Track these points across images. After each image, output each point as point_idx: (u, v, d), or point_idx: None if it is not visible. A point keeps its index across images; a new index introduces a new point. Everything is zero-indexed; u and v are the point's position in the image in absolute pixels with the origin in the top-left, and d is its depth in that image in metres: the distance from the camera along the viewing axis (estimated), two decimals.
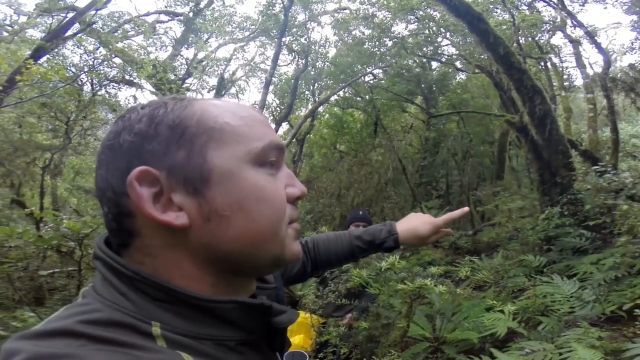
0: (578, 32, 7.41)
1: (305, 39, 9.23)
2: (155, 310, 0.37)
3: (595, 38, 7.22)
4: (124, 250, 0.41)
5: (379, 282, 2.59)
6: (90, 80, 6.07)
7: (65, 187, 7.23)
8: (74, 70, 5.81)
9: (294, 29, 8.89)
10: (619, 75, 7.17)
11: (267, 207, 0.41)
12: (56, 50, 5.99)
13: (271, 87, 9.38)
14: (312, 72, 9.60)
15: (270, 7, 8.51)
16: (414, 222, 0.90)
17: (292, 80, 9.31)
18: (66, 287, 3.83)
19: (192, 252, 0.40)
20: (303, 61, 9.18)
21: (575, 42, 7.32)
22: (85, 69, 5.96)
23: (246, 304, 0.40)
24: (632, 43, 7.78)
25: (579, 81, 8.53)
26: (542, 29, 7.47)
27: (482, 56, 6.42)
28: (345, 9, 9.30)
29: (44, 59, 6.17)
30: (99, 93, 6.56)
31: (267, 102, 8.97)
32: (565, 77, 8.49)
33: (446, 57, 8.97)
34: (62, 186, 7.27)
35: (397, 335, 2.73)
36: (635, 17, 7.29)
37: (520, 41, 6.33)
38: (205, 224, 0.39)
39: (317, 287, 2.86)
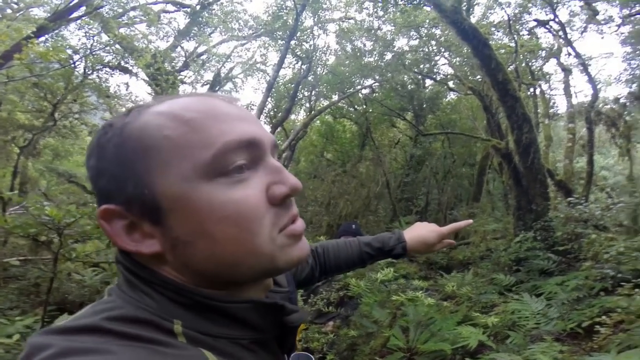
0: (571, 60, 7.79)
1: (310, 45, 9.32)
2: (175, 309, 0.38)
3: (588, 68, 7.55)
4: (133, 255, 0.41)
5: (373, 292, 2.66)
6: (84, 63, 5.92)
7: (38, 168, 6.94)
8: (70, 52, 5.67)
9: (299, 34, 8.99)
10: (601, 106, 7.56)
11: (231, 227, 0.37)
12: (56, 31, 5.81)
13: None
14: (311, 78, 9.71)
15: (281, 10, 8.60)
16: (421, 231, 0.92)
17: (291, 84, 9.35)
18: (25, 276, 3.63)
19: (176, 269, 0.39)
20: (305, 66, 9.23)
21: (567, 71, 7.73)
22: (82, 52, 5.80)
23: (261, 303, 0.41)
24: (620, 74, 8.22)
25: (562, 109, 8.90)
26: (538, 55, 7.79)
27: (477, 78, 6.66)
28: (350, 18, 9.48)
29: (42, 38, 5.99)
30: (90, 77, 6.40)
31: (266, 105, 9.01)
32: (550, 104, 8.84)
33: (441, 75, 9.24)
34: (33, 167, 6.97)
35: (378, 344, 2.81)
36: (629, 49, 7.66)
37: (516, 66, 6.60)
38: (174, 250, 0.38)
39: (307, 295, 2.87)
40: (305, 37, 9.21)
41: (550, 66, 8.87)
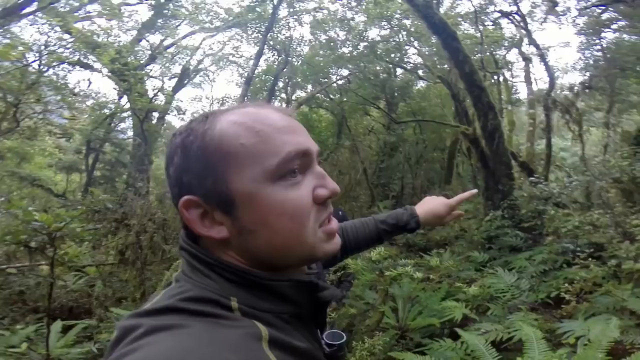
0: (532, 50, 8.25)
1: (286, 37, 9.20)
2: (231, 288, 0.45)
3: (546, 58, 8.04)
4: (199, 241, 0.49)
5: (369, 271, 2.82)
6: (39, 60, 5.50)
7: None
8: (21, 48, 5.21)
9: (276, 25, 8.85)
10: (559, 92, 8.14)
11: (287, 220, 0.45)
12: (5, 27, 5.32)
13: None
14: (286, 70, 9.62)
15: (257, 1, 8.36)
16: (432, 204, 0.96)
17: (267, 76, 9.20)
18: (8, 286, 3.58)
19: (238, 253, 0.48)
20: (282, 58, 9.14)
21: (527, 60, 8.22)
22: (35, 49, 5.38)
23: (299, 281, 0.48)
24: (575, 63, 8.79)
25: (523, 95, 9.41)
26: (502, 45, 8.13)
27: (445, 67, 6.94)
28: (324, 9, 9.42)
29: None
30: (47, 74, 5.97)
31: (246, 98, 8.80)
32: (513, 91, 9.37)
33: (411, 65, 9.46)
34: None
35: (373, 322, 3.02)
36: (583, 39, 8.18)
37: (478, 56, 6.94)
38: (240, 236, 0.46)
39: None
40: (280, 28, 9.08)
41: (513, 55, 9.42)
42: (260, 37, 8.49)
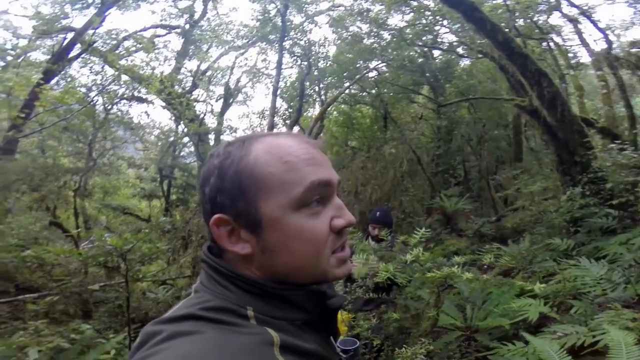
0: (575, 11, 7.25)
1: (305, 41, 9.24)
2: (248, 298, 0.49)
3: (592, 16, 7.00)
4: (222, 255, 0.54)
5: (406, 274, 2.59)
6: (102, 100, 6.28)
7: (94, 206, 7.61)
8: (83, 90, 6.02)
9: (292, 33, 8.91)
10: (621, 54, 6.94)
11: (305, 246, 0.50)
12: (63, 72, 6.22)
13: (277, 92, 9.45)
14: (316, 73, 9.60)
15: (266, 14, 8.59)
16: None
17: (297, 84, 9.31)
18: (112, 300, 4.04)
19: (258, 268, 0.52)
20: (305, 63, 9.20)
21: (574, 21, 7.14)
22: (94, 89, 6.16)
23: (311, 291, 0.53)
24: (631, 19, 7.49)
25: (586, 58, 8.30)
26: (538, 9, 7.28)
27: (484, 41, 6.36)
28: (339, 6, 9.24)
29: (54, 81, 6.43)
30: (111, 111, 6.78)
31: (276, 108, 9.05)
32: (571, 55, 8.24)
33: (447, 44, 8.83)
34: (90, 205, 7.64)
35: (427, 325, 2.76)
36: None
37: (519, 24, 6.20)
38: (262, 255, 0.51)
39: (344, 284, 2.92)
40: (297, 34, 9.12)
41: (557, 19, 8.21)
42: (285, 47, 8.58)
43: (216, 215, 0.51)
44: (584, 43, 7.16)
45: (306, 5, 8.87)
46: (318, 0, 9.21)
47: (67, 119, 5.41)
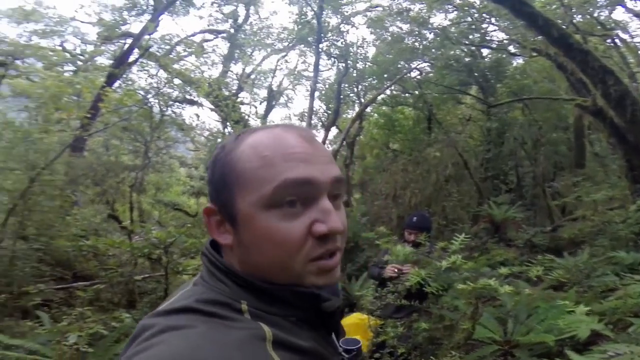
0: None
1: (342, 43, 9.23)
2: (242, 293, 0.49)
3: None
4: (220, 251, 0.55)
5: (439, 282, 2.45)
6: (158, 102, 6.86)
7: (148, 201, 8.31)
8: (142, 93, 6.60)
9: (329, 34, 8.94)
10: None
11: (275, 249, 0.48)
12: (124, 75, 6.90)
13: (316, 94, 9.54)
14: (355, 74, 9.51)
15: (303, 16, 8.73)
16: None
17: (336, 85, 9.36)
18: (154, 291, 4.26)
19: (239, 260, 0.52)
20: (343, 65, 9.17)
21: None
22: (151, 92, 6.73)
23: (298, 292, 0.50)
24: None
25: None
26: (599, 4, 6.56)
27: (538, 38, 5.89)
28: (377, 6, 9.09)
29: (116, 84, 7.10)
30: (166, 113, 7.37)
31: (314, 109, 9.15)
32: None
33: (496, 42, 8.28)
34: (145, 201, 8.36)
35: (460, 337, 2.60)
36: None
37: (577, 19, 5.63)
38: (239, 248, 0.51)
39: (375, 289, 2.83)
40: (335, 36, 9.12)
41: (621, 14, 7.33)
42: (322, 49, 8.62)
43: (207, 205, 0.53)
44: None
45: (342, 7, 8.86)
46: (355, 1, 9.18)
47: (126, 119, 6.01)
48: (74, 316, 2.64)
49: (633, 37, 7.45)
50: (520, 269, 2.71)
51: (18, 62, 5.89)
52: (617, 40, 7.28)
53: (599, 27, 6.77)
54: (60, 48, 8.17)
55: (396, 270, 2.60)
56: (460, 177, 8.68)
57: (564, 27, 4.37)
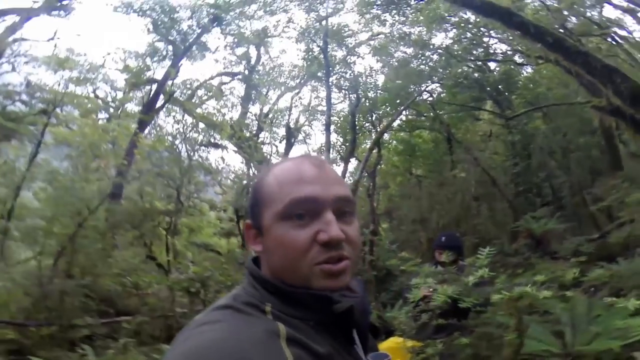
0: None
1: (350, 74, 9.58)
2: (269, 297, 0.59)
3: None
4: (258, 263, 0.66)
5: (473, 297, 2.30)
6: (185, 147, 7.26)
7: (182, 243, 8.56)
8: (170, 139, 7.03)
9: (337, 67, 9.33)
10: None
11: (286, 252, 0.59)
12: (153, 122, 7.36)
13: (332, 127, 9.77)
14: (367, 104, 9.72)
15: (310, 52, 9.22)
16: None
17: (350, 117, 9.62)
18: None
19: (267, 265, 0.63)
20: (354, 95, 9.45)
21: (630, 11, 6.30)
22: (179, 137, 7.16)
23: (313, 294, 0.58)
24: None
25: None
26: (587, 4, 6.62)
27: (539, 45, 5.95)
28: (379, 34, 9.43)
29: (146, 130, 7.56)
30: (194, 158, 7.75)
31: (332, 143, 9.35)
32: None
33: (501, 54, 8.41)
34: (179, 243, 8.62)
35: (509, 352, 2.40)
36: None
37: (573, 22, 5.67)
38: (265, 254, 0.63)
39: (407, 310, 2.70)
40: (342, 68, 9.51)
41: (611, 11, 7.33)
42: (332, 82, 8.96)
43: (246, 221, 0.67)
44: None
45: (346, 39, 9.28)
46: (357, 32, 9.58)
47: (159, 165, 6.40)
48: (120, 346, 2.72)
49: (631, 33, 7.38)
50: (555, 275, 2.52)
51: (57, 110, 6.40)
52: (617, 38, 7.25)
53: (595, 27, 6.79)
54: (93, 96, 8.88)
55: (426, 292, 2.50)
56: (490, 196, 8.41)
57: (560, 32, 4.43)
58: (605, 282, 3.70)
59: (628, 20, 7.36)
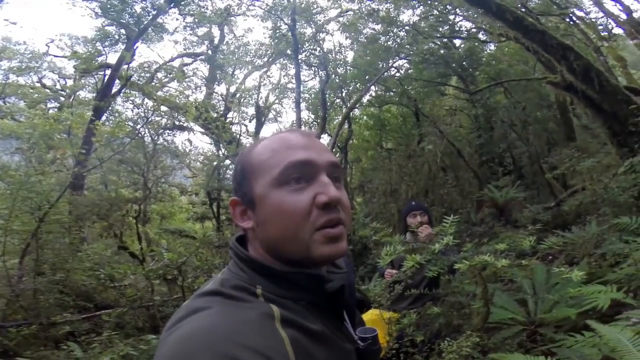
0: None
1: (320, 51, 9.36)
2: (259, 279, 0.57)
3: None
4: (246, 245, 0.63)
5: (439, 266, 2.30)
6: (148, 131, 6.82)
7: (155, 231, 8.30)
8: (131, 124, 6.54)
9: (306, 44, 9.06)
10: None
11: (284, 218, 0.56)
12: (109, 108, 6.83)
13: (303, 104, 9.61)
14: (337, 80, 9.61)
15: (277, 30, 8.84)
16: None
17: (320, 93, 9.51)
18: (172, 313, 4.35)
19: (260, 242, 0.60)
20: (324, 72, 9.30)
21: None
22: (140, 122, 6.71)
23: (307, 273, 0.57)
24: None
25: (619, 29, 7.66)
26: None
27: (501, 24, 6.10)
28: (348, 11, 9.24)
29: (104, 117, 7.04)
30: (158, 142, 7.34)
31: (302, 120, 9.23)
32: (601, 27, 7.71)
33: (466, 32, 8.52)
34: (151, 230, 8.33)
35: (478, 320, 2.57)
36: None
37: (534, 2, 5.78)
38: (259, 227, 0.59)
39: (381, 282, 2.80)
40: (311, 46, 9.23)
41: None
42: (301, 60, 8.69)
43: (232, 198, 0.63)
44: (607, 14, 6.77)
45: (315, 16, 9.01)
46: (326, 9, 9.35)
47: (120, 152, 6.01)
48: (104, 339, 2.70)
49: (588, 14, 7.75)
50: (515, 244, 2.63)
51: (0, 102, 5.80)
52: (574, 18, 7.59)
53: (554, 7, 7.03)
54: (39, 85, 8.09)
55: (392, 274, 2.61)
56: (456, 166, 8.81)
57: (521, 10, 4.56)
58: (561, 250, 4.02)
59: (585, 1, 7.71)
